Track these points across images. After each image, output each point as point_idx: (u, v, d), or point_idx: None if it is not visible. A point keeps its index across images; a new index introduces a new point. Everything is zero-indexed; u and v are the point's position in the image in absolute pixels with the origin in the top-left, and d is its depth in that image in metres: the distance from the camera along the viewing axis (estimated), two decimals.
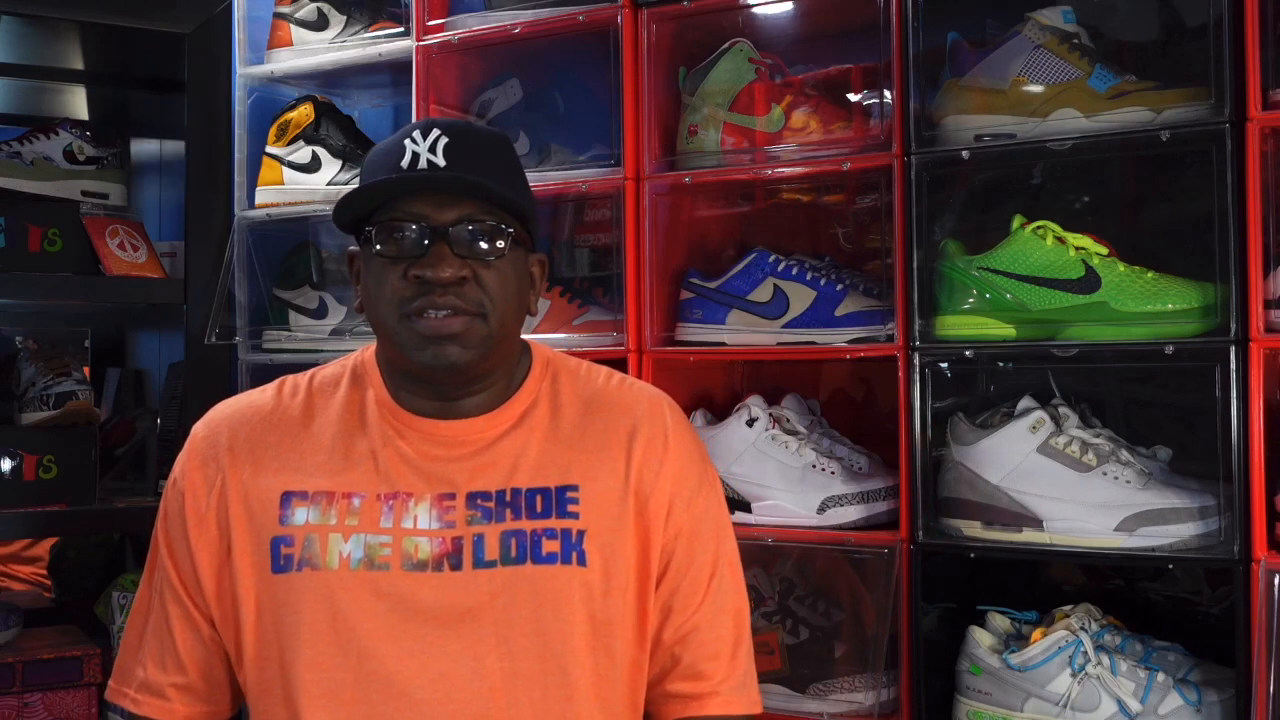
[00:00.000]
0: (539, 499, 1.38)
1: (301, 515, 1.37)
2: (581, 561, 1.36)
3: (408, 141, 1.35)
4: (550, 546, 1.36)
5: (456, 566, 1.35)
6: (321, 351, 2.41)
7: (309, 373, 1.50)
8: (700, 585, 1.42)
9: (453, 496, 1.37)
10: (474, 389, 1.41)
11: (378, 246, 1.35)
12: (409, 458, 1.39)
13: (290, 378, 1.50)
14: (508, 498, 1.38)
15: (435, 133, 1.34)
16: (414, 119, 2.27)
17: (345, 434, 1.42)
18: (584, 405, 1.45)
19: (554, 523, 1.37)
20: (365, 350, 1.49)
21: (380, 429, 1.41)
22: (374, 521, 1.36)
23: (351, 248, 1.44)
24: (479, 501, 1.37)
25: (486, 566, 1.35)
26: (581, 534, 1.37)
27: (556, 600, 1.35)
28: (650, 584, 1.41)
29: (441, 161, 1.33)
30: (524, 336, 1.48)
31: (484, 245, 1.34)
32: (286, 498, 1.38)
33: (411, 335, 1.34)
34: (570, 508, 1.38)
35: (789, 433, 2.00)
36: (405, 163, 1.33)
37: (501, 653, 1.33)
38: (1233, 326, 1.60)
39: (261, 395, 1.47)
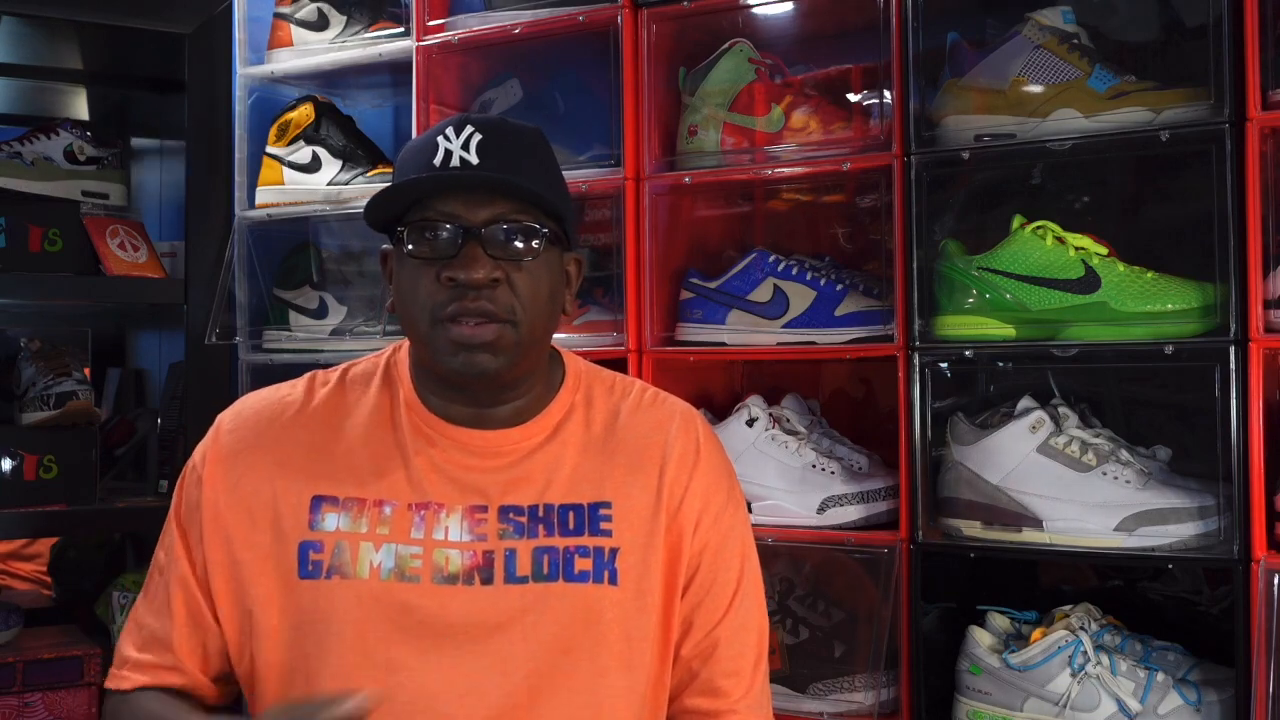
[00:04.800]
0: (571, 515, 1.36)
1: (332, 521, 1.34)
2: (613, 580, 1.34)
3: (440, 139, 1.31)
4: (582, 564, 1.34)
5: (487, 581, 1.33)
6: (321, 351, 2.41)
7: (341, 367, 1.46)
8: (723, 601, 1.41)
9: (484, 509, 1.35)
10: (507, 396, 1.38)
11: (409, 246, 1.31)
12: (441, 467, 1.37)
13: (321, 373, 1.46)
14: (540, 513, 1.36)
15: (469, 129, 1.31)
16: (414, 119, 2.27)
17: (377, 438, 1.39)
18: (617, 420, 1.43)
19: (586, 540, 1.35)
20: (399, 348, 1.46)
21: (412, 435, 1.38)
22: (405, 531, 1.34)
23: (385, 246, 1.40)
24: (511, 515, 1.35)
25: (518, 582, 1.33)
26: (614, 552, 1.35)
27: (587, 618, 1.33)
28: (676, 599, 1.39)
29: (475, 159, 1.30)
30: None
31: (518, 245, 1.31)
32: (316, 502, 1.35)
33: (444, 341, 1.31)
34: (603, 525, 1.36)
35: (789, 433, 2.00)
36: (438, 160, 1.30)
37: (529, 670, 1.31)
38: (1232, 326, 1.61)
39: (292, 391, 1.44)
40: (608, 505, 1.37)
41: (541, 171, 1.35)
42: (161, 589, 1.40)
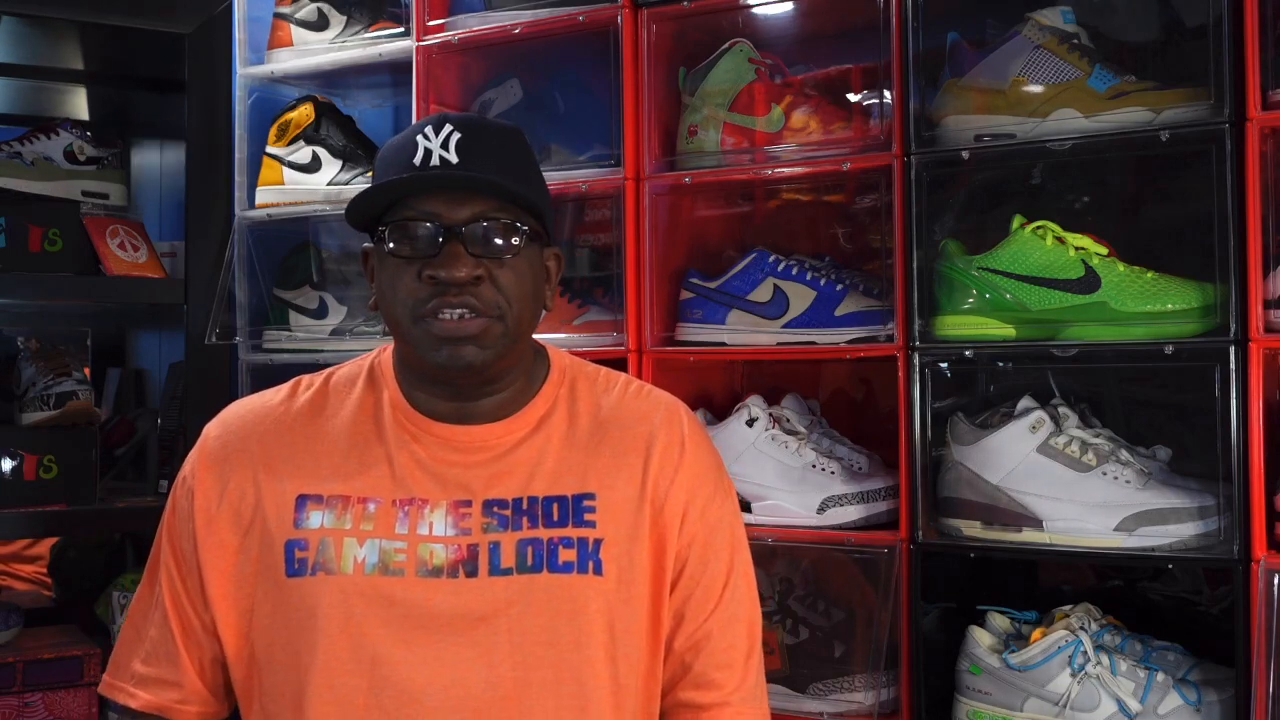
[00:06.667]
0: (555, 507, 1.37)
1: (316, 519, 1.36)
2: (598, 571, 1.35)
3: (420, 138, 1.33)
4: (567, 555, 1.35)
5: (472, 574, 1.33)
6: (321, 351, 2.41)
7: (325, 372, 1.48)
8: (714, 593, 1.41)
9: (469, 504, 1.36)
10: (490, 390, 1.40)
11: (391, 245, 1.33)
12: (425, 463, 1.38)
13: (306, 377, 1.48)
14: (524, 506, 1.36)
15: (448, 128, 1.33)
16: (414, 119, 2.27)
17: (360, 437, 1.40)
18: (601, 413, 1.44)
19: (570, 531, 1.36)
20: (383, 351, 1.47)
21: (396, 433, 1.39)
22: (389, 527, 1.35)
23: (365, 244, 1.42)
24: (495, 509, 1.36)
25: (502, 574, 1.33)
26: (598, 543, 1.36)
27: (572, 609, 1.34)
28: (664, 592, 1.39)
29: (454, 158, 1.31)
30: (534, 336, 1.47)
31: (499, 243, 1.32)
32: (301, 501, 1.37)
33: (427, 336, 1.32)
34: (587, 516, 1.37)
35: (789, 433, 2.00)
36: (418, 160, 1.32)
37: (515, 661, 1.32)
38: (1232, 326, 1.61)
39: (276, 395, 1.46)
40: (591, 497, 1.38)
41: (520, 169, 1.37)
42: (158, 604, 1.43)
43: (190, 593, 1.40)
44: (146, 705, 1.42)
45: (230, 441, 1.42)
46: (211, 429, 1.45)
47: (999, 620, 1.80)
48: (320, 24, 2.44)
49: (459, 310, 1.31)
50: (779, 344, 2.01)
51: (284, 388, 1.47)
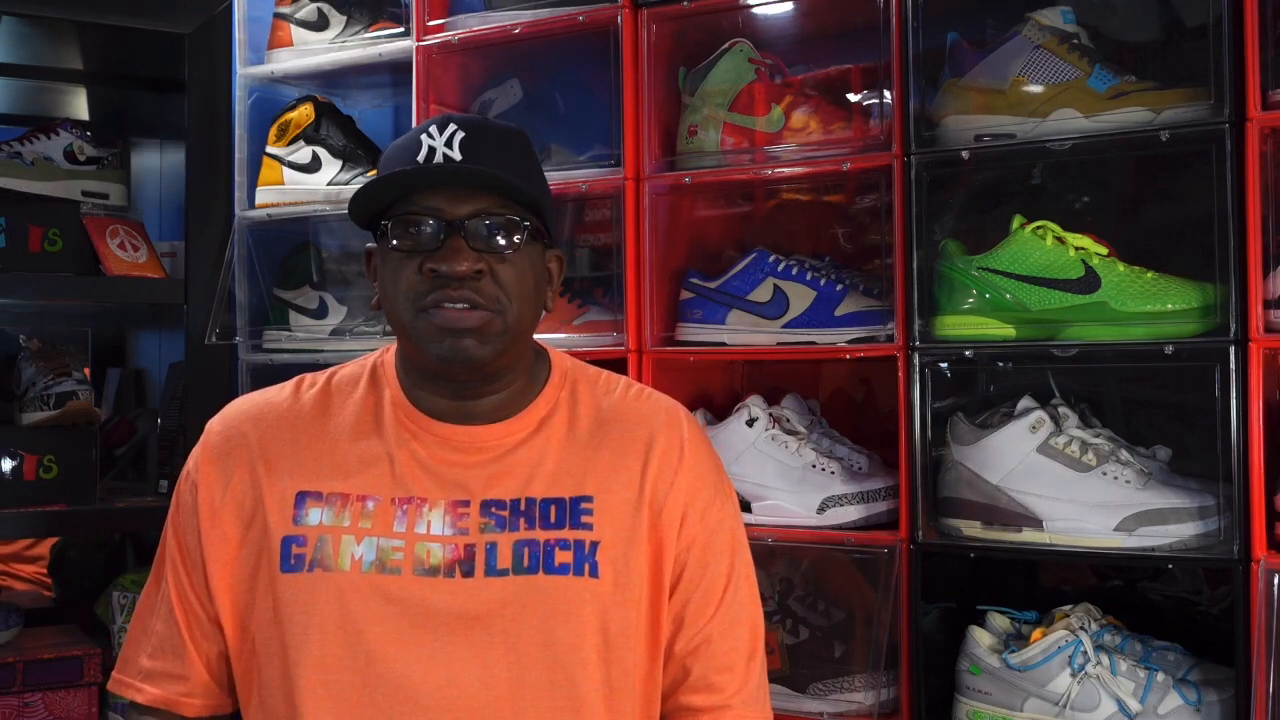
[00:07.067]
0: (553, 509, 1.37)
1: (315, 516, 1.37)
2: (594, 573, 1.35)
3: (424, 136, 1.35)
4: (563, 557, 1.35)
5: (468, 573, 1.34)
6: (321, 351, 2.41)
7: (328, 371, 1.49)
8: (714, 597, 1.41)
9: (467, 504, 1.36)
10: (490, 388, 1.40)
11: (393, 241, 1.34)
12: (425, 462, 1.39)
13: (309, 376, 1.49)
14: (522, 507, 1.37)
15: (452, 127, 1.35)
16: (414, 119, 2.27)
17: (361, 435, 1.41)
18: (602, 415, 1.44)
19: (567, 533, 1.36)
20: (386, 351, 1.48)
21: (396, 431, 1.40)
22: (387, 525, 1.36)
23: (369, 244, 1.43)
24: (493, 510, 1.36)
25: (498, 575, 1.34)
26: (595, 545, 1.36)
27: (567, 611, 1.34)
28: (663, 596, 1.40)
29: (458, 156, 1.33)
30: (534, 337, 1.47)
31: (500, 239, 1.34)
32: (301, 497, 1.38)
33: (428, 328, 1.33)
34: (584, 519, 1.37)
35: (789, 433, 2.00)
36: (421, 157, 1.34)
37: (509, 661, 1.32)
38: (1232, 326, 1.61)
39: (279, 393, 1.47)
40: (589, 499, 1.38)
41: (523, 169, 1.38)
42: (164, 599, 1.44)
43: (195, 586, 1.41)
44: (153, 699, 1.43)
45: (233, 436, 1.43)
46: (214, 424, 1.46)
47: (999, 620, 1.80)
48: (320, 24, 2.44)
49: (459, 303, 1.32)
50: (779, 344, 2.01)
51: (287, 385, 1.48)
